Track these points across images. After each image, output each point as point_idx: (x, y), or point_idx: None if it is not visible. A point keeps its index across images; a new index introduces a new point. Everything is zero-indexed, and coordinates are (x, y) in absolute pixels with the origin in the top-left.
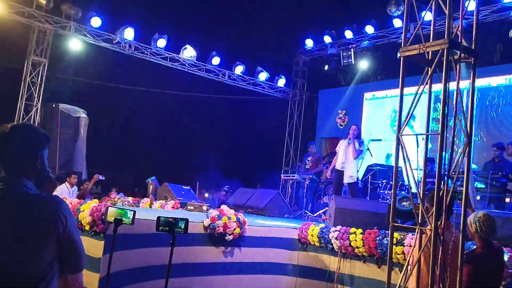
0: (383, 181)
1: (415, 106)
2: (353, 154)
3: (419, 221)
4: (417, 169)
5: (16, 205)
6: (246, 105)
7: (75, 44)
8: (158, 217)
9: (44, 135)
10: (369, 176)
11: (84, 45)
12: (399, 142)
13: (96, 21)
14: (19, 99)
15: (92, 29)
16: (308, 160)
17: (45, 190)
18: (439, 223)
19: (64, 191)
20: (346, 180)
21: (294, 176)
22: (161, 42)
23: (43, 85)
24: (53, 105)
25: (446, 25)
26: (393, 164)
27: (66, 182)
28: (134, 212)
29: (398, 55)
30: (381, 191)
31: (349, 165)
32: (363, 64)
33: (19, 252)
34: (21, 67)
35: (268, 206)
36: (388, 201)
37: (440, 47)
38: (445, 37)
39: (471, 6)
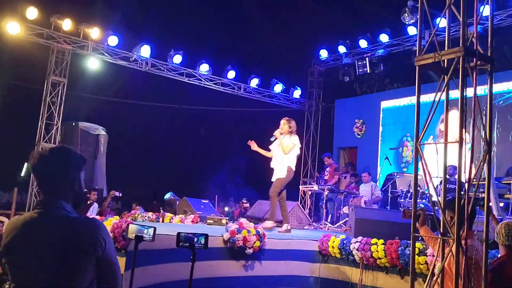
0: (403, 189)
1: (433, 114)
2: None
3: (441, 231)
4: (437, 177)
5: (56, 228)
6: (262, 117)
7: (93, 63)
8: (178, 233)
9: (80, 157)
10: (389, 185)
11: (102, 64)
12: (417, 152)
13: (113, 40)
14: (39, 118)
15: (110, 47)
16: (326, 171)
17: (81, 211)
18: (461, 232)
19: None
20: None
21: (312, 187)
22: (177, 58)
23: (62, 104)
24: (73, 124)
25: (461, 33)
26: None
27: None
28: (155, 228)
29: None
30: (401, 200)
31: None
32: (379, 73)
33: (60, 275)
34: (41, 87)
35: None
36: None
37: (456, 55)
38: (460, 44)
39: (486, 11)
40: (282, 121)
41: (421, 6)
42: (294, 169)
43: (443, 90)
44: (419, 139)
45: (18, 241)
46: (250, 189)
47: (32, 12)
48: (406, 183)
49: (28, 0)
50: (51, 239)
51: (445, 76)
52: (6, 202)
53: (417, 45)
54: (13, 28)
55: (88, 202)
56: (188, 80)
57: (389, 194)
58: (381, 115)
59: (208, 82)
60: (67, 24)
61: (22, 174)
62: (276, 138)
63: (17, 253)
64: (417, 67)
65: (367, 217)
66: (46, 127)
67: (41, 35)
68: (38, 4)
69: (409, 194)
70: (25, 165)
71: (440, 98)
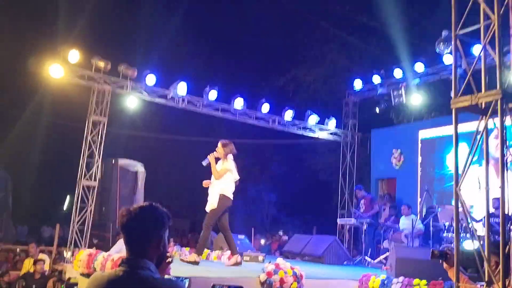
0: (445, 223)
1: (473, 156)
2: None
3: (486, 279)
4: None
5: None
6: (297, 149)
7: (132, 102)
8: (213, 285)
9: (167, 215)
10: (431, 218)
11: (140, 102)
12: (457, 197)
13: (151, 79)
14: (81, 156)
15: (148, 86)
16: (362, 203)
17: (162, 270)
18: (507, 281)
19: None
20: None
21: (350, 220)
22: (213, 94)
23: (102, 142)
24: (112, 161)
25: (498, 75)
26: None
27: None
28: (190, 280)
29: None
30: (444, 235)
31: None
32: (415, 102)
33: None
34: (82, 125)
35: (325, 253)
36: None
37: (493, 98)
38: (498, 87)
39: None
40: (219, 144)
41: (455, 51)
42: (230, 195)
43: (482, 133)
44: (459, 184)
45: None
46: (286, 221)
47: (74, 55)
48: (449, 216)
49: (70, 43)
50: None
51: (484, 117)
52: (49, 236)
53: (453, 88)
54: (57, 71)
55: (168, 261)
56: (223, 115)
57: (431, 228)
58: (419, 145)
59: (242, 116)
60: (107, 65)
61: (65, 207)
62: (209, 162)
63: None
64: (453, 110)
65: (408, 256)
66: (87, 164)
67: (82, 77)
68: (79, 46)
69: (451, 228)
70: (67, 198)
71: (479, 140)
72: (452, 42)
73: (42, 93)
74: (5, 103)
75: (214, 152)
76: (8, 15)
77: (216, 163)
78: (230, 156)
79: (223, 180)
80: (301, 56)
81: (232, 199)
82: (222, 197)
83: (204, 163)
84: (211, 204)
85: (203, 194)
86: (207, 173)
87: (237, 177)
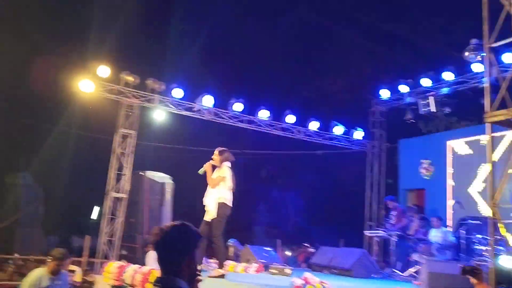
0: (478, 236)
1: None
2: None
3: None
4: None
5: None
6: (323, 160)
7: (160, 115)
8: None
9: (198, 234)
10: (463, 231)
11: (167, 115)
12: (494, 213)
13: (178, 92)
14: (110, 168)
15: (175, 99)
16: (392, 215)
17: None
18: None
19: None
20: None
21: (379, 232)
22: (238, 106)
23: (131, 155)
24: (140, 173)
25: None
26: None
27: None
28: None
29: (484, 116)
30: (477, 247)
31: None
32: (444, 111)
33: None
34: (111, 138)
35: (354, 266)
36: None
37: None
38: None
39: None
40: (215, 151)
41: (489, 65)
42: (229, 203)
43: None
44: (495, 202)
45: None
46: (313, 233)
47: (104, 70)
48: (481, 228)
49: (100, 59)
50: None
51: None
52: (78, 246)
53: (485, 102)
54: (87, 86)
55: (198, 278)
56: (249, 126)
57: (463, 241)
58: (449, 155)
59: (268, 127)
60: (135, 80)
61: (93, 217)
62: (205, 171)
63: None
64: (487, 125)
65: (440, 271)
66: (116, 177)
67: (112, 91)
68: (108, 62)
69: (484, 241)
70: (96, 208)
71: None
72: (485, 55)
73: (73, 107)
74: (38, 117)
75: (211, 161)
76: (41, 33)
77: (214, 170)
78: (227, 164)
79: (219, 188)
80: (326, 66)
81: (231, 206)
82: (222, 205)
83: (200, 171)
84: (210, 213)
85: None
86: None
87: (230, 185)
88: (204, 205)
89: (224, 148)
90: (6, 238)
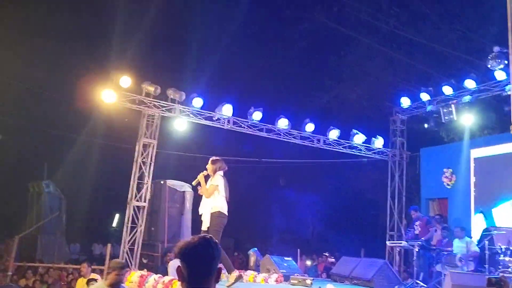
0: (502, 246)
1: None
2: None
3: None
4: None
5: None
6: (343, 169)
7: (180, 124)
8: None
9: (219, 247)
10: (486, 241)
11: (187, 124)
12: None
13: (197, 102)
14: (131, 177)
15: (195, 109)
16: (416, 225)
17: None
18: None
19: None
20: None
21: (401, 243)
22: (257, 115)
23: (152, 164)
24: (161, 182)
25: None
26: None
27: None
28: None
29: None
30: (501, 258)
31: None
32: (467, 120)
33: None
34: (132, 148)
35: (375, 277)
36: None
37: None
38: None
39: None
40: (209, 161)
41: None
42: (224, 211)
43: None
44: None
45: None
46: (333, 242)
47: (125, 81)
48: (506, 239)
49: (121, 69)
50: None
51: None
52: (99, 254)
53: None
54: (109, 96)
55: None
56: (268, 135)
57: (487, 251)
58: (472, 164)
59: (287, 136)
60: (156, 90)
61: (114, 224)
62: (198, 182)
63: None
64: None
65: (465, 284)
66: (137, 186)
67: (133, 101)
68: (130, 72)
69: (509, 252)
70: (117, 216)
71: None
72: (510, 62)
73: (95, 117)
74: (62, 127)
75: (204, 171)
76: (65, 44)
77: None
78: (220, 173)
79: (214, 197)
80: (345, 74)
81: (227, 215)
82: (218, 214)
83: (194, 182)
84: (206, 223)
85: (247, 213)
86: (251, 192)
87: (223, 194)
88: (200, 215)
89: (217, 158)
90: (29, 245)
